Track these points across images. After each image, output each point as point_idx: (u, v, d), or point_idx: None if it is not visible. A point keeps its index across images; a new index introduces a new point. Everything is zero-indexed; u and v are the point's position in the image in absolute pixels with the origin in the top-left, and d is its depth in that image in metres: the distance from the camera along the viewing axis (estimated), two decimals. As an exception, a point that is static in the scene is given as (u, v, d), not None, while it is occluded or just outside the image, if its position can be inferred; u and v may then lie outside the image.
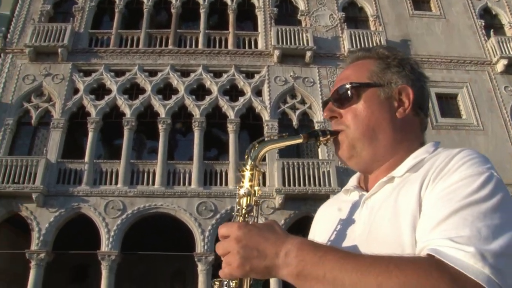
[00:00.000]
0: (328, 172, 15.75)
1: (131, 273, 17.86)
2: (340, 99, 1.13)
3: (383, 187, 1.06)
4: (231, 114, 16.96)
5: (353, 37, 18.75)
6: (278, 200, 15.35)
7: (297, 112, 17.45)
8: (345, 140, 1.11)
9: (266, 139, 1.09)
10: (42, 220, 15.09)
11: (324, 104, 1.20)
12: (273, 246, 0.87)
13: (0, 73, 17.35)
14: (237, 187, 1.04)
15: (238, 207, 1.02)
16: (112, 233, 14.95)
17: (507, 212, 0.84)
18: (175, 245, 15.65)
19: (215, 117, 17.22)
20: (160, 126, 16.65)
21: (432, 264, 0.78)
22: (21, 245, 17.07)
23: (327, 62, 18.43)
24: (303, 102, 17.70)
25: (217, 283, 0.95)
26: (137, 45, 18.30)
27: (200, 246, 14.95)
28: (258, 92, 17.68)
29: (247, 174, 1.04)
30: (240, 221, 0.99)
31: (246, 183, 1.03)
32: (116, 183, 15.70)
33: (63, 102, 16.87)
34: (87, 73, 17.66)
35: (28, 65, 17.57)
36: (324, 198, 15.48)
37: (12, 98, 16.94)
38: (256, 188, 1.03)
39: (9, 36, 18.22)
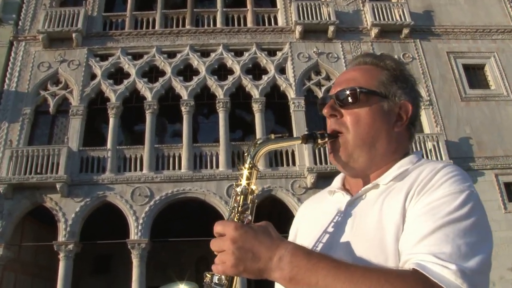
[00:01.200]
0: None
1: (156, 259, 17.41)
2: (345, 100, 1.12)
3: (368, 193, 1.10)
4: (255, 93, 16.36)
5: (375, 10, 18.07)
6: (310, 179, 14.83)
7: (323, 88, 16.82)
8: (343, 145, 1.11)
9: (266, 138, 1.08)
10: (67, 210, 14.60)
11: (323, 100, 1.19)
12: (267, 250, 0.89)
13: (14, 62, 16.76)
14: (234, 184, 1.03)
15: (235, 205, 1.00)
16: (140, 221, 14.46)
17: (483, 231, 0.92)
18: (203, 229, 15.14)
19: (239, 97, 16.63)
20: (183, 109, 16.06)
21: (418, 280, 0.84)
22: (44, 237, 16.65)
23: (350, 36, 17.80)
24: (328, 78, 17.07)
25: (208, 276, 0.94)
26: (153, 27, 17.67)
27: (232, 230, 14.45)
28: (281, 70, 17.08)
29: (245, 172, 1.03)
30: (236, 219, 0.98)
31: (243, 181, 1.02)
32: (141, 169, 15.18)
33: (81, 89, 16.30)
34: (104, 58, 17.05)
35: (42, 52, 16.98)
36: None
37: (28, 86, 16.37)
38: (253, 186, 1.02)
39: (20, 23, 17.60)
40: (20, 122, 15.82)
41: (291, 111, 16.30)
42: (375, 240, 0.97)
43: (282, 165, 15.43)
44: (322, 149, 15.07)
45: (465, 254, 0.85)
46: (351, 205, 1.10)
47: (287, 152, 15.64)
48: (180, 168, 15.18)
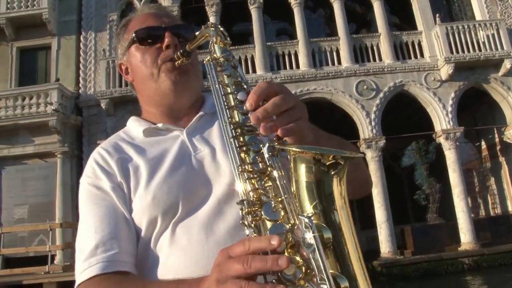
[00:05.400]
0: (498, 33, 13.34)
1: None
2: (187, 37, 1.05)
3: (197, 122, 1.08)
4: (370, -20, 14.35)
5: None
6: (447, 70, 13.09)
7: (442, -30, 14.80)
8: (191, 71, 1.08)
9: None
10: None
11: (154, 29, 1.06)
12: None
13: (89, -38, 14.70)
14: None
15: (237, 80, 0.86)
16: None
17: None
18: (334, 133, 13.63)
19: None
20: (292, 1, 14.11)
21: None
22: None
23: None
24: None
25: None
26: None
27: (367, 131, 12.94)
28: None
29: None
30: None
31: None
32: (254, 70, 13.52)
33: (171, -13, 14.34)
34: (189, -49, 14.94)
35: (116, -51, 14.86)
36: (496, 64, 13.28)
37: (110, -11, 14.44)
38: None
39: None
40: (108, 30, 14.05)
41: (412, -1, 14.36)
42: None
43: (410, 57, 13.69)
44: (456, 36, 13.35)
45: None
46: (191, 136, 1.05)
47: (413, 43, 13.85)
48: (298, 67, 13.46)
